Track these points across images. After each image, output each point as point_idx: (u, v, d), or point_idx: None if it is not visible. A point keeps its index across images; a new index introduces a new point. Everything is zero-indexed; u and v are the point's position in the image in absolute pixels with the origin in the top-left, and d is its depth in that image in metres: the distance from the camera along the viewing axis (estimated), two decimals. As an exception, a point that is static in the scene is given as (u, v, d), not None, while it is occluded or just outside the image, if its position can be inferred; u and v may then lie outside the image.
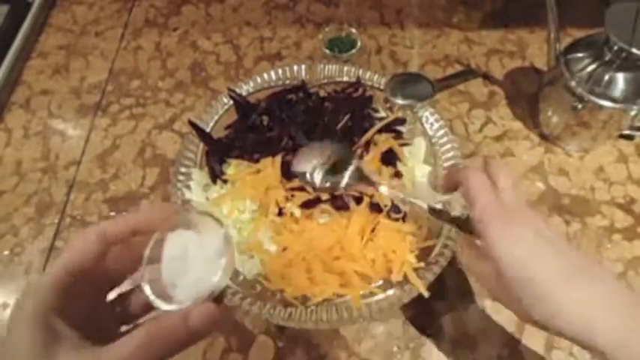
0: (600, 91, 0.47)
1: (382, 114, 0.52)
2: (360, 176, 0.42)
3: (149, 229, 0.27)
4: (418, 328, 0.45)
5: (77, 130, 0.62)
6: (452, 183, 0.35)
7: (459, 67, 0.64)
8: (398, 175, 0.47)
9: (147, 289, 0.25)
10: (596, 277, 0.29)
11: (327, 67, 0.55)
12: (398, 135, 0.49)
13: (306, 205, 0.44)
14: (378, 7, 0.71)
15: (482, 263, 0.32)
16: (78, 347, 0.23)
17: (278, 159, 0.46)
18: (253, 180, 0.46)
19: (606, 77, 0.47)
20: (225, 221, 0.45)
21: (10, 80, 0.66)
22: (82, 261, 0.25)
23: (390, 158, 0.47)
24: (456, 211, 0.44)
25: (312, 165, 0.44)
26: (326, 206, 0.44)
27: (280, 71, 0.54)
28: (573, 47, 0.51)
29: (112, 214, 0.54)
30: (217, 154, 0.49)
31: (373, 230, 0.43)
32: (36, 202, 0.56)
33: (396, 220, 0.44)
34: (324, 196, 0.44)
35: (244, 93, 0.53)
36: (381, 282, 0.42)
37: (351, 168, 0.43)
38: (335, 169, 0.44)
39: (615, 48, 0.46)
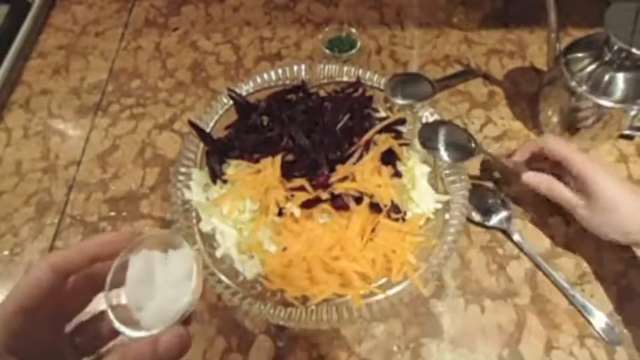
0: (600, 91, 0.47)
1: (382, 114, 0.52)
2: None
3: (108, 255, 0.26)
4: (418, 328, 0.45)
5: (77, 130, 0.62)
6: (527, 150, 0.48)
7: (459, 67, 0.64)
8: (398, 175, 0.47)
9: (111, 316, 0.24)
10: None
11: (327, 67, 0.55)
12: (398, 135, 0.49)
13: (306, 205, 0.44)
14: (378, 7, 0.71)
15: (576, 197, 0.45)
16: None
17: (278, 159, 0.46)
18: (253, 180, 0.46)
19: (606, 77, 0.47)
20: (225, 221, 0.45)
21: (10, 80, 0.66)
22: (36, 296, 0.24)
23: (389, 158, 0.47)
24: (455, 211, 0.45)
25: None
26: (326, 206, 0.44)
27: (280, 71, 0.54)
28: (573, 47, 0.51)
29: (112, 214, 0.54)
30: (217, 154, 0.49)
31: (373, 230, 0.43)
32: (36, 202, 0.56)
33: (396, 220, 0.44)
34: (324, 196, 0.44)
35: (244, 93, 0.53)
36: (381, 282, 0.42)
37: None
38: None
39: (615, 48, 0.46)
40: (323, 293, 0.41)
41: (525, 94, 0.61)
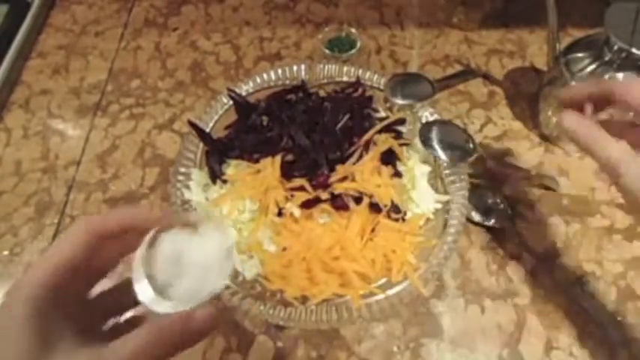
0: (600, 91, 0.47)
1: (382, 114, 0.52)
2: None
3: (143, 228, 0.26)
4: (418, 328, 0.45)
5: (77, 130, 0.62)
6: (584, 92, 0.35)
7: (459, 67, 0.64)
8: (398, 175, 0.47)
9: (139, 289, 0.24)
10: None
11: (326, 67, 0.55)
12: (398, 135, 0.49)
13: (306, 205, 0.44)
14: (378, 7, 0.71)
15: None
16: (74, 348, 0.23)
17: (278, 159, 0.46)
18: (253, 180, 0.46)
19: (606, 77, 0.47)
20: (225, 221, 0.45)
21: (10, 80, 0.66)
22: (72, 257, 0.24)
23: (389, 158, 0.47)
24: (455, 211, 0.44)
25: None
26: (326, 206, 0.44)
27: (280, 71, 0.54)
28: (573, 47, 0.51)
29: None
30: (217, 154, 0.49)
31: (373, 230, 0.43)
32: (36, 202, 0.56)
33: (396, 220, 0.44)
34: (324, 196, 0.44)
35: (244, 93, 0.53)
36: (381, 282, 0.42)
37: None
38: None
39: (615, 48, 0.46)
40: (323, 293, 0.41)
41: (525, 94, 0.61)
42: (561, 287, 0.46)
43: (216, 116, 0.52)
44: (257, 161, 0.47)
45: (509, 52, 0.65)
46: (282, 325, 0.42)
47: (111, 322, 0.27)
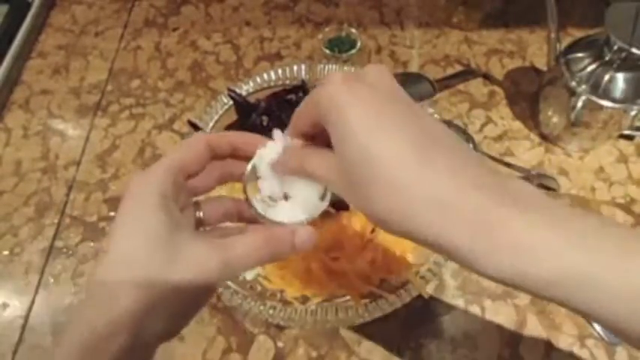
0: (600, 91, 0.47)
1: (382, 114, 0.52)
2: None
3: (246, 150, 0.28)
4: (418, 328, 0.45)
5: (77, 130, 0.62)
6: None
7: (459, 67, 0.64)
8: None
9: (255, 201, 0.27)
10: (452, 148, 0.22)
11: (327, 67, 0.55)
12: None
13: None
14: (378, 7, 0.71)
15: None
16: (196, 235, 0.25)
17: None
18: (253, 180, 0.46)
19: (606, 77, 0.47)
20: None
21: (10, 80, 0.66)
22: (190, 162, 0.26)
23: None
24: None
25: None
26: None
27: (280, 71, 0.54)
28: (573, 47, 0.51)
29: (112, 214, 0.54)
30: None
31: (373, 230, 0.43)
32: (36, 202, 0.56)
33: (396, 220, 0.44)
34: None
35: (244, 93, 0.53)
36: (381, 282, 0.42)
37: None
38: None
39: (615, 48, 0.46)
40: (323, 293, 0.41)
41: (525, 94, 0.61)
42: (561, 287, 0.46)
43: (216, 116, 0.52)
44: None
45: (509, 52, 0.65)
46: (282, 325, 0.42)
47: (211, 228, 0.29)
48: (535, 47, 0.65)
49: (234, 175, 0.29)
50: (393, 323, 0.45)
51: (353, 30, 0.65)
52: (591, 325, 0.45)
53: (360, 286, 0.41)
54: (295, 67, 0.54)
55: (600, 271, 0.19)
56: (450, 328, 0.45)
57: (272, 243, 0.25)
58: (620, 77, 0.47)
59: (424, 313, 0.46)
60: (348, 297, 0.42)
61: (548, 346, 0.44)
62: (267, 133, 0.51)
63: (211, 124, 0.52)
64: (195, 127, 0.50)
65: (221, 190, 0.48)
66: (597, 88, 0.47)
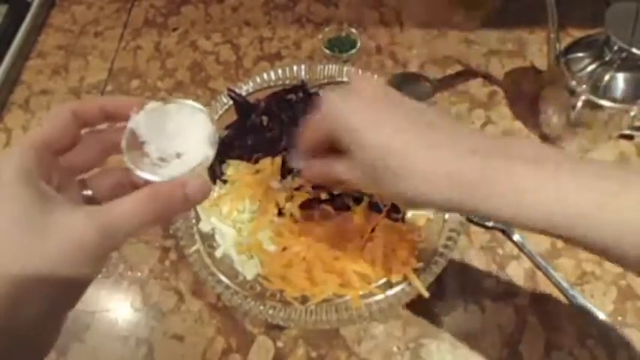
0: (600, 91, 0.47)
1: (382, 114, 0.52)
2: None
3: (121, 113, 0.26)
4: (418, 328, 0.45)
5: (77, 130, 0.62)
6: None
7: (459, 67, 0.64)
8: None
9: (132, 165, 0.25)
10: (447, 127, 0.27)
11: (327, 67, 0.54)
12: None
13: (306, 205, 0.44)
14: (378, 7, 0.71)
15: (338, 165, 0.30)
16: (70, 207, 0.23)
17: (278, 159, 0.46)
18: (253, 180, 0.46)
19: (606, 77, 0.47)
20: (224, 221, 0.45)
21: (10, 80, 0.66)
22: (55, 135, 0.25)
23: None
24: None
25: None
26: (326, 206, 0.44)
27: (280, 71, 0.54)
28: (573, 47, 0.51)
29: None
30: (217, 154, 0.49)
31: (373, 230, 0.43)
32: (35, 202, 0.56)
33: (396, 220, 0.44)
34: (324, 196, 0.44)
35: (244, 93, 0.53)
36: (381, 282, 0.42)
37: None
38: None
39: (615, 48, 0.46)
40: (323, 293, 0.41)
41: (525, 94, 0.61)
42: (561, 287, 0.46)
43: (216, 116, 0.52)
44: (257, 161, 0.47)
45: (509, 52, 0.65)
46: (282, 325, 0.42)
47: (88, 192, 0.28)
48: (535, 47, 0.65)
49: (116, 145, 0.26)
50: (393, 323, 0.45)
51: (353, 30, 0.65)
52: (591, 326, 0.44)
53: (360, 286, 0.41)
54: (295, 67, 0.54)
55: (599, 209, 0.23)
56: (450, 328, 0.45)
57: (159, 198, 0.24)
58: (620, 77, 0.47)
59: (424, 313, 0.46)
60: (348, 297, 0.42)
61: (548, 346, 0.44)
62: (267, 133, 0.51)
63: (211, 124, 0.52)
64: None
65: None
66: (597, 88, 0.47)
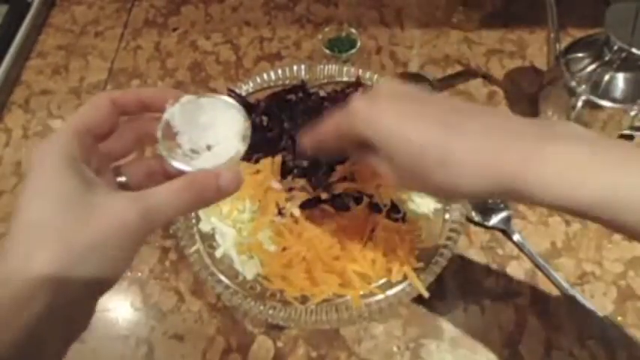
0: (600, 91, 0.47)
1: (382, 114, 0.52)
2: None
3: (157, 104, 0.27)
4: (418, 328, 0.45)
5: (77, 130, 0.62)
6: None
7: (459, 67, 0.64)
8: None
9: (166, 154, 0.26)
10: (475, 113, 0.28)
11: (327, 67, 0.54)
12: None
13: (306, 205, 0.44)
14: (378, 7, 0.71)
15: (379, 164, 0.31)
16: (111, 191, 0.24)
17: (278, 159, 0.46)
18: (253, 180, 0.46)
19: (606, 77, 0.47)
20: (224, 221, 0.45)
21: (10, 80, 0.66)
22: (96, 122, 0.26)
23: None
24: (455, 211, 0.44)
25: None
26: (326, 206, 0.44)
27: (280, 71, 0.54)
28: (573, 47, 0.51)
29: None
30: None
31: (373, 230, 0.43)
32: (35, 202, 0.56)
33: (396, 220, 0.44)
34: (324, 196, 0.44)
35: (244, 93, 0.53)
36: (381, 282, 0.42)
37: None
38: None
39: (615, 48, 0.46)
40: (323, 293, 0.41)
41: (525, 94, 0.61)
42: (561, 287, 0.46)
43: (216, 116, 0.52)
44: (257, 161, 0.47)
45: (509, 52, 0.65)
46: (282, 325, 0.42)
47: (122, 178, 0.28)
48: (535, 47, 0.65)
49: (150, 135, 0.28)
50: (393, 323, 0.45)
51: (353, 30, 0.65)
52: (591, 326, 0.44)
53: (360, 286, 0.41)
54: (295, 67, 0.54)
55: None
56: (450, 328, 0.45)
57: (194, 187, 0.25)
58: (620, 77, 0.47)
59: (424, 313, 0.46)
60: (348, 297, 0.42)
61: (548, 346, 0.44)
62: (267, 133, 0.51)
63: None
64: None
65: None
66: (597, 88, 0.47)
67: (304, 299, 0.42)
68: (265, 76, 0.54)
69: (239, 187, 0.26)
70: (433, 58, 0.65)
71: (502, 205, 0.51)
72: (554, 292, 0.47)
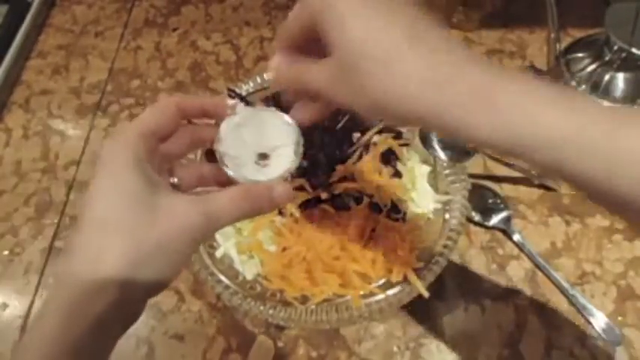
0: (600, 91, 0.47)
1: (382, 114, 0.52)
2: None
3: (217, 112, 0.28)
4: (418, 328, 0.45)
5: (77, 130, 0.62)
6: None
7: (458, 67, 0.64)
8: (398, 175, 0.47)
9: (225, 162, 0.27)
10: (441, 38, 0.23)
11: (327, 67, 0.54)
12: (398, 135, 0.49)
13: (306, 205, 0.44)
14: (377, 7, 0.71)
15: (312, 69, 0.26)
16: (174, 192, 0.25)
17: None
18: (253, 180, 0.46)
19: (606, 77, 0.47)
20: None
21: (10, 80, 0.66)
22: (161, 125, 0.27)
23: (389, 158, 0.47)
24: (455, 211, 0.44)
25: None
26: (326, 206, 0.44)
27: (280, 71, 0.54)
28: (573, 47, 0.51)
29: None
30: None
31: (373, 230, 0.43)
32: (35, 202, 0.56)
33: (396, 220, 0.44)
34: (324, 196, 0.44)
35: (244, 93, 0.53)
36: (381, 282, 0.42)
37: None
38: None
39: (615, 48, 0.46)
40: (323, 293, 0.41)
41: (525, 94, 0.60)
42: (561, 287, 0.46)
43: (216, 116, 0.52)
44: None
45: (509, 52, 0.65)
46: (282, 325, 0.42)
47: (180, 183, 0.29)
48: (535, 47, 0.65)
49: (204, 140, 0.29)
50: (393, 323, 0.46)
51: (353, 30, 0.65)
52: (591, 326, 0.45)
53: (360, 286, 0.41)
54: (295, 67, 0.54)
55: (597, 137, 0.20)
56: (450, 328, 0.45)
57: (250, 197, 0.26)
58: (620, 77, 0.47)
59: (424, 313, 0.46)
60: (348, 297, 0.42)
61: (548, 346, 0.44)
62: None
63: (211, 124, 0.52)
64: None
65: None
66: (597, 88, 0.47)
67: (304, 299, 0.42)
68: (265, 76, 0.54)
69: (290, 200, 0.27)
70: (433, 58, 0.65)
71: (502, 205, 0.51)
72: (554, 292, 0.47)
